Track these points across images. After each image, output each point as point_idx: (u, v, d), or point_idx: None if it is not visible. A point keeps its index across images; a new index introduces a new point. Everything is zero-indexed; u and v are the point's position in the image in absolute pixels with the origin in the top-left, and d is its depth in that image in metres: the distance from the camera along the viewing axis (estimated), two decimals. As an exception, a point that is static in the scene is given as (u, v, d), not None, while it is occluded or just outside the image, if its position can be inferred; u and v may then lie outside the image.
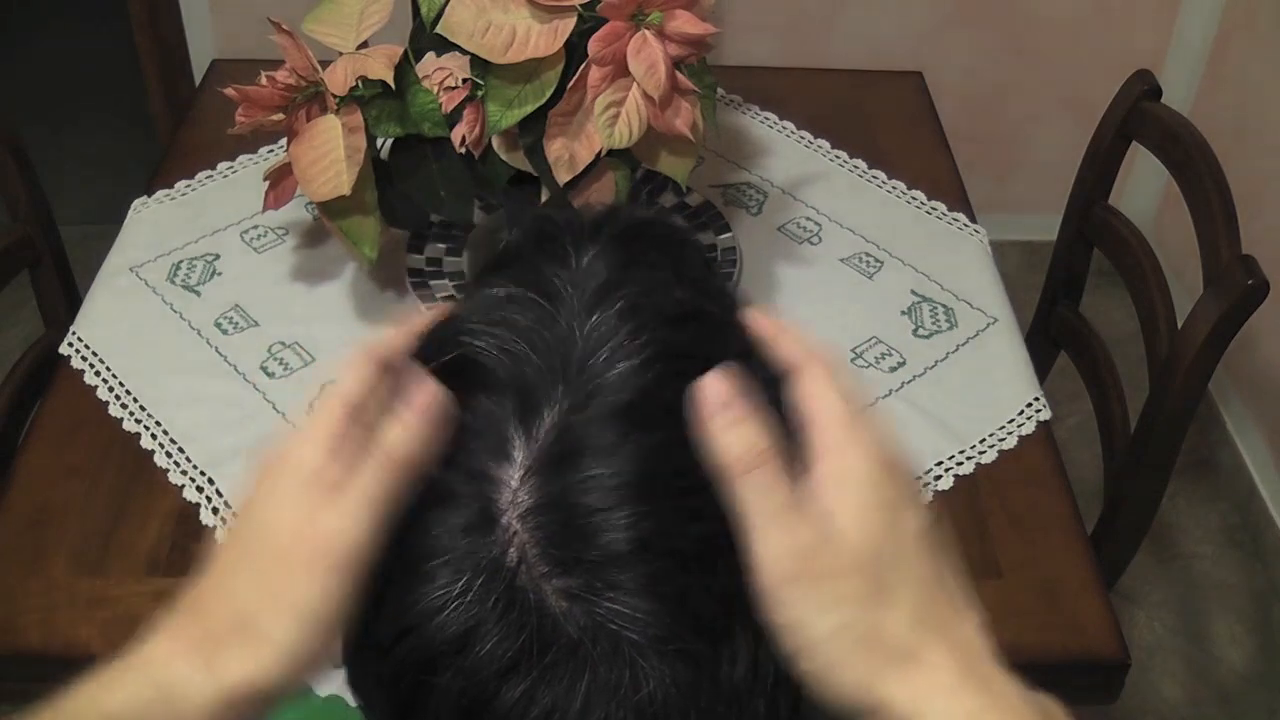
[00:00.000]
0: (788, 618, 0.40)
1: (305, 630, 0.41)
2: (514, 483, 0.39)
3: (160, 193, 1.47)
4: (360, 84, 1.13)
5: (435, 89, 1.14)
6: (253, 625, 0.41)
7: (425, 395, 0.41)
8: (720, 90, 1.63)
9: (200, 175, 1.50)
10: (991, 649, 0.43)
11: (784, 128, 1.62)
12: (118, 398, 1.21)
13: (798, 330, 0.47)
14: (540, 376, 0.39)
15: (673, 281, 0.43)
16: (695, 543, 0.39)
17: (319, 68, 1.14)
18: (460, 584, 0.38)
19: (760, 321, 0.47)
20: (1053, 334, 1.59)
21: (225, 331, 1.28)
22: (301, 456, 0.43)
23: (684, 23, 1.09)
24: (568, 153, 1.14)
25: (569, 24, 1.08)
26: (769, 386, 0.43)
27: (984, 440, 1.20)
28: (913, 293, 1.37)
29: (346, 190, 1.12)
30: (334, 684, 0.66)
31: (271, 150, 1.54)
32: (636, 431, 0.39)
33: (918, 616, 0.41)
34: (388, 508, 0.41)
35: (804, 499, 0.41)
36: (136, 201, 1.46)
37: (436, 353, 0.42)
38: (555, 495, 0.38)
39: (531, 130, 1.14)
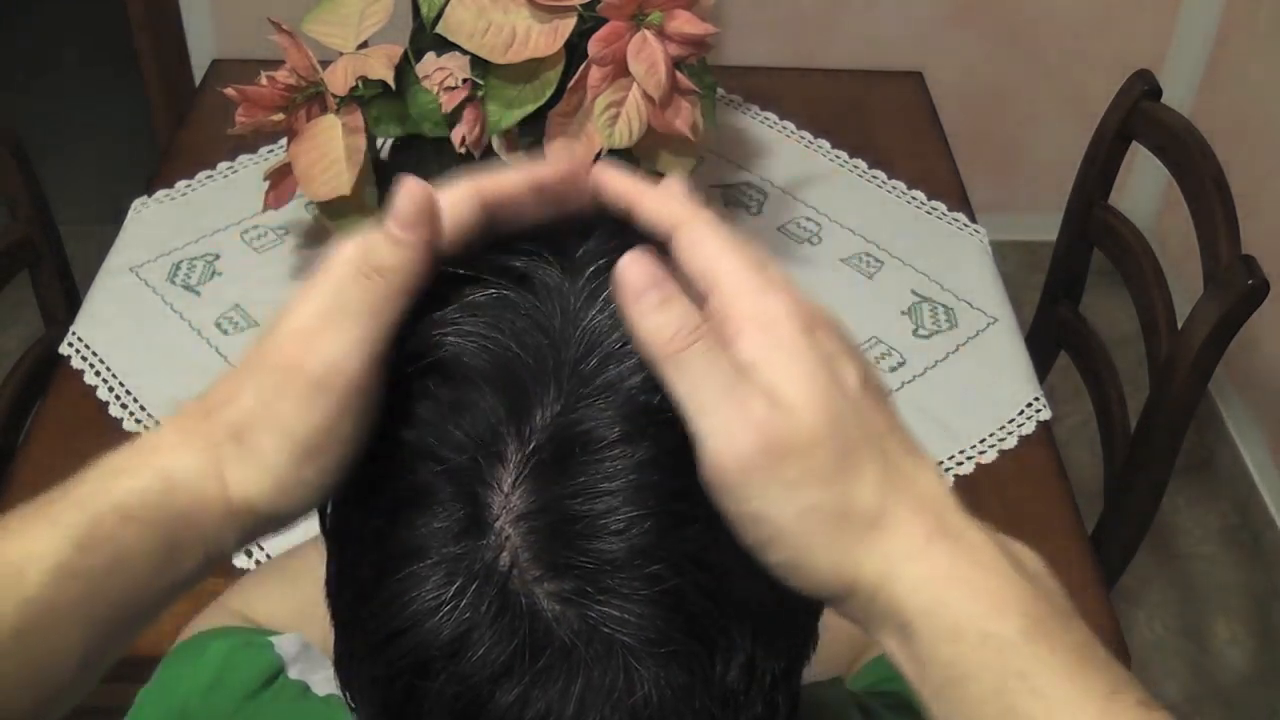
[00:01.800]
0: (750, 509, 0.37)
1: (295, 453, 0.41)
2: (506, 486, 0.38)
3: (160, 193, 1.47)
4: (360, 84, 1.13)
5: (435, 89, 1.14)
6: (249, 439, 0.41)
7: (407, 199, 0.40)
8: (720, 90, 1.63)
9: (200, 175, 1.50)
10: (955, 497, 0.39)
11: (784, 128, 1.62)
12: (118, 398, 1.21)
13: (666, 187, 0.42)
14: (532, 378, 0.39)
15: None
16: (689, 545, 0.38)
17: (319, 68, 1.14)
18: (453, 588, 0.38)
19: (614, 183, 0.42)
20: (1053, 334, 1.59)
21: (225, 331, 1.28)
22: (328, 277, 0.43)
23: (684, 23, 1.09)
24: (568, 153, 1.14)
25: (569, 24, 1.08)
26: None
27: (984, 440, 1.20)
28: (913, 293, 1.37)
29: (346, 190, 1.12)
30: (333, 684, 0.66)
31: (271, 150, 1.54)
32: (629, 435, 0.38)
33: (882, 477, 0.38)
34: (377, 325, 0.41)
35: (743, 376, 0.37)
36: (136, 201, 1.46)
37: (425, 351, 0.41)
38: (548, 499, 0.38)
39: (531, 130, 1.14)
